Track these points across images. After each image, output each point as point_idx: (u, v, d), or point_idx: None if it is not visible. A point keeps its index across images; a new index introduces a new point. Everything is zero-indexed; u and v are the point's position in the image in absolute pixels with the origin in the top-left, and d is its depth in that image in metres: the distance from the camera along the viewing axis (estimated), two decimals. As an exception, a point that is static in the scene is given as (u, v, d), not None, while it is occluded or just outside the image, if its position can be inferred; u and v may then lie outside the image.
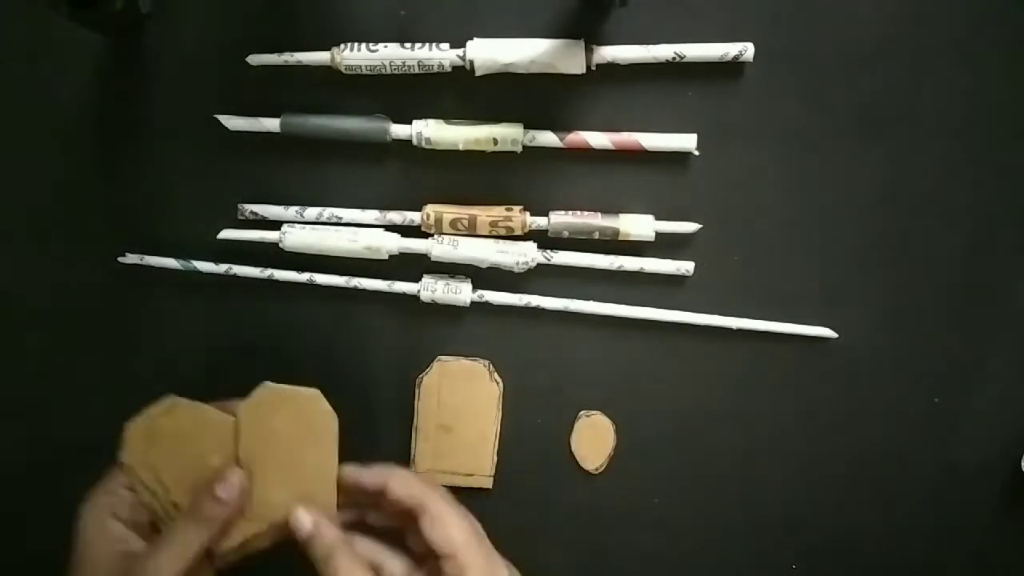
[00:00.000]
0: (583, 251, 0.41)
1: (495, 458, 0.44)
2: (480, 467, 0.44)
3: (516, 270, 0.41)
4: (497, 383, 0.43)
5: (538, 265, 0.41)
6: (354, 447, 0.44)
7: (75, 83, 0.42)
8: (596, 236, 0.41)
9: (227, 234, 0.42)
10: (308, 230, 0.41)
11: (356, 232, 0.41)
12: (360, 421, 0.44)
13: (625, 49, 0.39)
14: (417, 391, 0.43)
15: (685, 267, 0.41)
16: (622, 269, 0.41)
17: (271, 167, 0.42)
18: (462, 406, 0.43)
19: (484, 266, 0.41)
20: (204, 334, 0.44)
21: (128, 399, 0.44)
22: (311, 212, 0.41)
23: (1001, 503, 0.43)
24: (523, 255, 0.41)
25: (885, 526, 0.44)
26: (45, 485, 0.45)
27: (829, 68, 0.40)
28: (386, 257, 0.41)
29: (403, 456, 0.44)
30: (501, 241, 0.41)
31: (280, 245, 0.41)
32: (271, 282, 0.42)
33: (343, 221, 0.41)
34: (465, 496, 0.44)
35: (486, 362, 0.43)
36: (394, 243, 0.41)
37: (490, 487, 0.44)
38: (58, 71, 0.42)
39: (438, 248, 0.41)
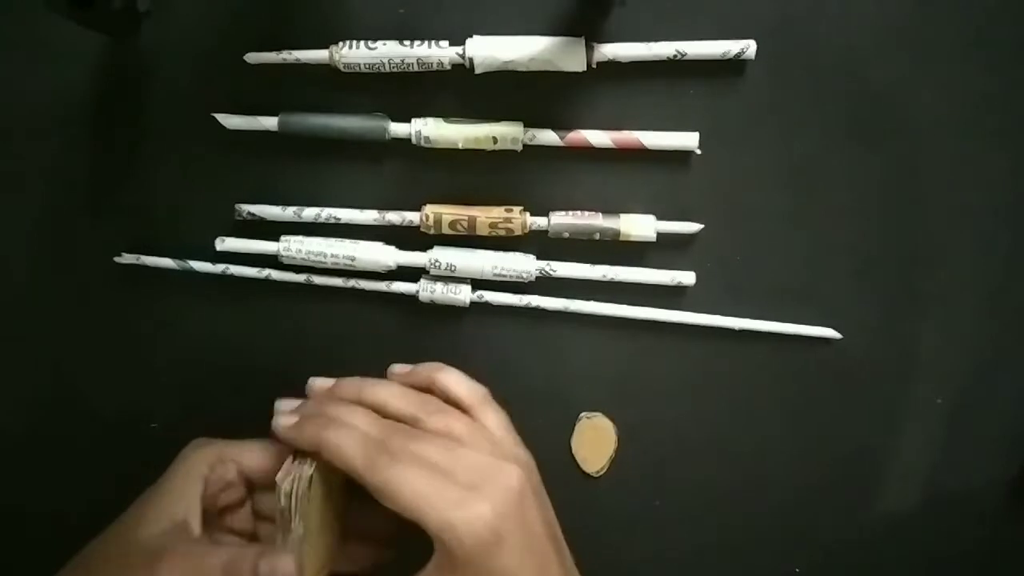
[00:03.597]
0: (583, 251, 0.41)
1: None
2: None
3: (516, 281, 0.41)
4: None
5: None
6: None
7: (74, 82, 0.42)
8: (597, 237, 0.40)
9: (225, 245, 0.42)
10: (305, 248, 0.41)
11: (354, 248, 0.41)
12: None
13: (626, 47, 0.38)
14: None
15: (685, 278, 0.41)
16: (624, 281, 0.41)
17: (269, 166, 0.42)
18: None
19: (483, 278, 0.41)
20: (202, 334, 0.43)
21: (127, 399, 0.44)
22: (309, 212, 0.41)
23: (1002, 503, 0.43)
24: (522, 275, 0.41)
25: (886, 527, 0.43)
26: (44, 481, 0.45)
27: (831, 66, 0.39)
28: (384, 271, 0.41)
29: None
30: (499, 253, 0.41)
31: (279, 259, 0.41)
32: (269, 282, 0.42)
33: (342, 221, 0.41)
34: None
35: None
36: (391, 259, 0.41)
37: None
38: (57, 71, 0.42)
39: (435, 271, 0.41)
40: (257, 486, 0.38)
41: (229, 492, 0.36)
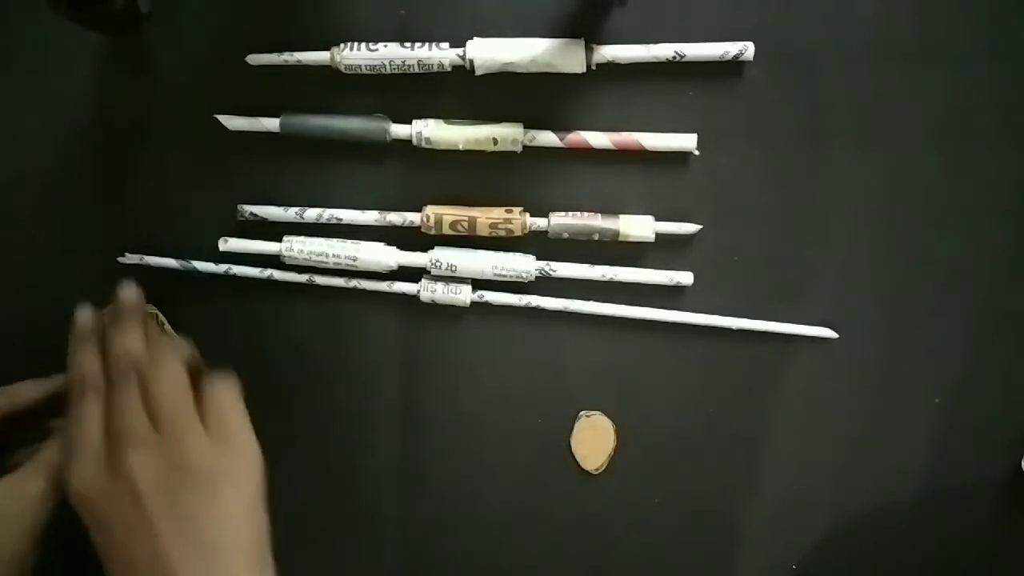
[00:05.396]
0: (583, 252, 0.41)
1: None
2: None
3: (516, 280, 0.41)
4: None
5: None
6: (354, 447, 0.44)
7: (75, 83, 0.42)
8: (596, 237, 0.40)
9: (228, 245, 0.42)
10: (307, 249, 0.41)
11: (356, 248, 0.41)
12: (360, 421, 0.44)
13: (625, 48, 0.39)
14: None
15: (683, 278, 0.41)
16: (622, 281, 0.41)
17: (271, 167, 0.42)
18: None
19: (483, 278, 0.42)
20: (204, 334, 0.44)
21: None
22: (311, 213, 0.41)
23: (1001, 503, 0.43)
24: (522, 275, 0.41)
25: (885, 526, 0.44)
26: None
27: (829, 67, 0.39)
28: (386, 272, 0.42)
29: (404, 457, 0.44)
30: (500, 253, 0.41)
31: (282, 260, 0.42)
32: (271, 282, 0.42)
33: (343, 222, 0.41)
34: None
35: None
36: (393, 259, 0.41)
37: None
38: (58, 71, 0.42)
39: (436, 272, 0.41)
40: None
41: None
